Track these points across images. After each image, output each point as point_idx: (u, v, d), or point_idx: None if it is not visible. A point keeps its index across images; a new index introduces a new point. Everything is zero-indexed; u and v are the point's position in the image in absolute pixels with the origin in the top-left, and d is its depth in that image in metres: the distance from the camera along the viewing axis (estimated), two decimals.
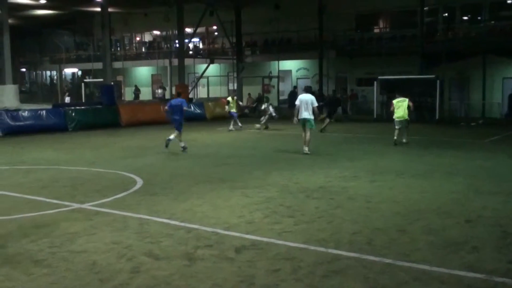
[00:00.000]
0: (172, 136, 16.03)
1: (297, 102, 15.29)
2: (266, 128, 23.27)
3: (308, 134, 15.12)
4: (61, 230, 7.32)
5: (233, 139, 19.78)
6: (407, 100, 17.22)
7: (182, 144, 16.07)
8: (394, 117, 17.33)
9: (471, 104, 30.19)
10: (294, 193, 9.73)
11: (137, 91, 42.35)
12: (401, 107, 17.14)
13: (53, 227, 7.46)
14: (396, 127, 17.15)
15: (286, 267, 5.81)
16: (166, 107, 16.91)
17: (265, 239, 6.82)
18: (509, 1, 30.37)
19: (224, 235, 7.04)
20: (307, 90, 15.97)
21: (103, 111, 25.98)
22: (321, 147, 16.56)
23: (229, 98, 24.39)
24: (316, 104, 15.26)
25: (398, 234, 7.04)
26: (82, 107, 26.50)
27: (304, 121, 15.11)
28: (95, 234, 7.11)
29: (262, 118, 23.80)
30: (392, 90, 27.37)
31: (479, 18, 30.91)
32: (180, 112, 16.23)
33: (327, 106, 24.08)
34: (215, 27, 40.02)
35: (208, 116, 29.80)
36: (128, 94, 44.51)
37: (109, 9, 32.49)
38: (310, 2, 32.21)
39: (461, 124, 25.07)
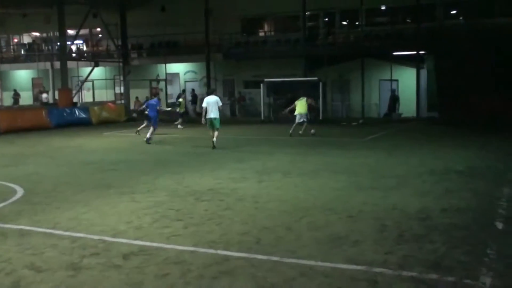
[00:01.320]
0: (148, 135, 18.86)
1: (204, 104, 17.11)
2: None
3: (215, 132, 16.98)
4: None
5: (121, 144, 19.33)
6: (305, 98, 20.57)
7: (149, 135, 18.89)
8: (295, 113, 20.40)
9: (352, 105, 31.71)
10: (184, 196, 9.70)
11: (16, 96, 40.10)
12: (299, 104, 20.30)
13: None
14: (296, 121, 20.29)
15: (175, 271, 5.77)
16: (143, 106, 20.79)
17: (154, 244, 6.74)
18: (383, 8, 32.24)
19: (111, 242, 6.87)
20: (212, 92, 18.13)
21: None
22: (211, 150, 16.64)
23: (181, 99, 26.47)
24: (221, 104, 17.19)
25: (285, 232, 7.23)
26: None
27: (211, 120, 16.92)
28: None
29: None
30: (277, 91, 28.27)
31: (356, 23, 32.53)
32: (155, 110, 19.46)
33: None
34: (99, 29, 38.93)
35: (94, 121, 28.92)
36: (6, 99, 42.03)
37: None
38: (196, 5, 32.24)
39: (342, 124, 26.23)
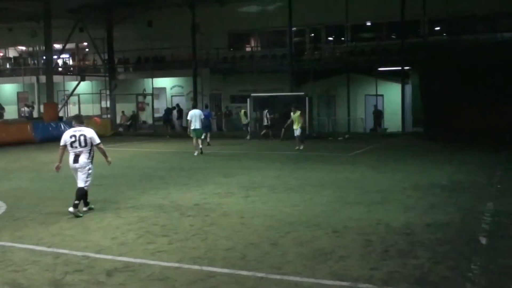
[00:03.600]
0: (207, 138, 22.21)
1: (188, 117, 19.68)
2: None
3: (199, 140, 19.32)
4: None
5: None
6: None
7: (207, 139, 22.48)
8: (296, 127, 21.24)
9: (338, 120, 31.82)
10: (169, 211, 9.66)
11: (1, 110, 39.82)
12: (297, 118, 21.21)
13: None
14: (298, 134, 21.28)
15: None
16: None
17: (138, 260, 6.70)
18: (368, 24, 32.57)
19: (95, 259, 6.81)
20: (195, 106, 21.34)
21: None
22: (197, 165, 16.63)
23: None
24: (203, 117, 19.71)
25: (271, 248, 7.22)
26: None
27: (195, 131, 19.21)
28: None
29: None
30: (264, 106, 28.33)
31: (342, 39, 32.78)
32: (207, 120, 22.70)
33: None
34: (86, 44, 38.88)
35: None
36: None
37: None
38: (183, 20, 32.40)
39: (329, 139, 26.32)
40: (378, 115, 30.14)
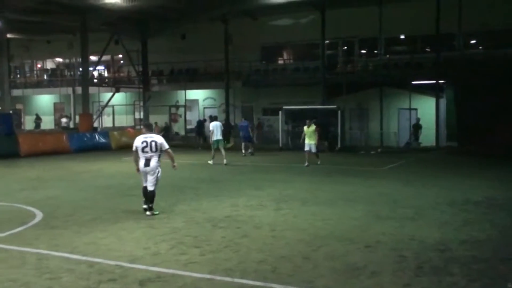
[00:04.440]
0: (249, 150, 24.34)
1: (211, 128, 20.50)
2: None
3: (222, 150, 20.27)
4: None
5: None
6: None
7: (250, 151, 24.39)
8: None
9: (370, 134, 31.54)
10: (201, 223, 9.71)
11: (38, 120, 40.79)
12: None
13: None
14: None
15: None
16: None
17: (170, 271, 6.75)
18: (402, 37, 32.35)
19: (128, 268, 6.89)
20: (215, 118, 21.62)
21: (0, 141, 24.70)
22: (228, 176, 16.70)
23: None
24: (223, 128, 20.86)
25: (302, 261, 7.19)
26: None
27: (217, 141, 20.34)
28: None
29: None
30: (296, 119, 28.26)
31: (375, 52, 32.61)
32: (246, 131, 24.43)
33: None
34: (120, 56, 39.58)
35: (113, 145, 29.15)
36: (28, 123, 42.71)
37: (8, 35, 31.24)
38: (216, 33, 32.72)
39: (361, 153, 26.12)
40: (417, 128, 29.68)
